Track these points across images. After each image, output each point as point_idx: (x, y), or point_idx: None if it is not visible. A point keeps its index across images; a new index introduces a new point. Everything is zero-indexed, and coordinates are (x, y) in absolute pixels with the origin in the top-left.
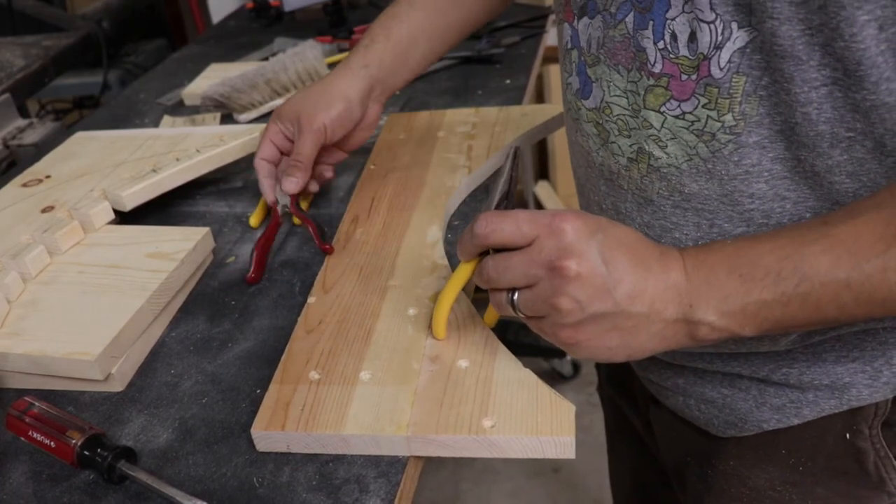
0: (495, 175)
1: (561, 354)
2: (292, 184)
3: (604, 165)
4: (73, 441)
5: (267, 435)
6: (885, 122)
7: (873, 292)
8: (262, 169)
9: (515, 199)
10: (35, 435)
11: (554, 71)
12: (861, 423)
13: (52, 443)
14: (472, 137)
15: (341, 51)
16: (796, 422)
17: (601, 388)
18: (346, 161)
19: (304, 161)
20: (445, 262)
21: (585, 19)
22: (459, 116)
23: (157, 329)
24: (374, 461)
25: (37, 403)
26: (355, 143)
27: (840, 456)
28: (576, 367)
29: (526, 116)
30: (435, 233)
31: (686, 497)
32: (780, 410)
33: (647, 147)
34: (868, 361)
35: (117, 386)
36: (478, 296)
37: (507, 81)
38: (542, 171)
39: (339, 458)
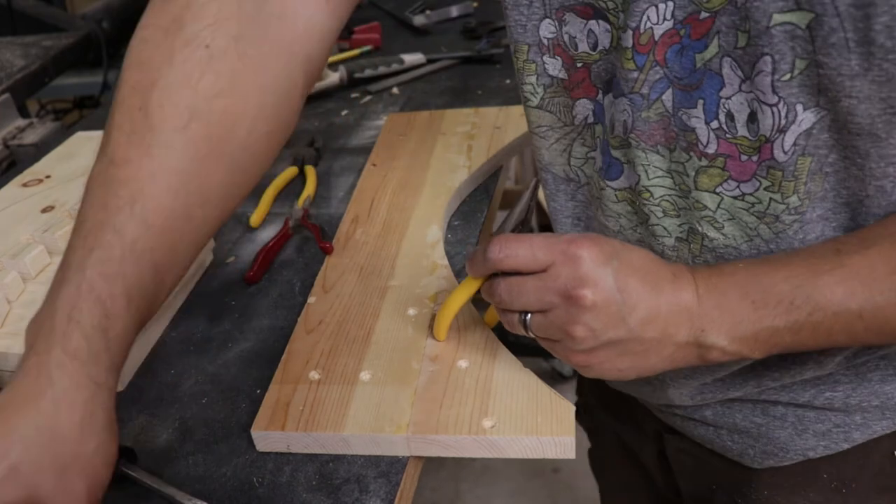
0: (513, 203)
1: None
2: None
3: (643, 243)
4: None
5: (267, 435)
6: None
7: (884, 324)
8: None
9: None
10: None
11: None
12: None
13: None
14: (472, 137)
15: (341, 50)
16: (846, 446)
17: (590, 417)
18: (346, 161)
19: None
20: (446, 262)
21: (610, 96)
22: (459, 116)
23: (156, 329)
24: (374, 461)
25: None
26: None
27: (886, 473)
28: None
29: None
30: (435, 233)
31: None
32: (825, 436)
33: (700, 228)
34: None
35: (117, 386)
36: (479, 296)
37: (507, 81)
38: None
39: (339, 458)
